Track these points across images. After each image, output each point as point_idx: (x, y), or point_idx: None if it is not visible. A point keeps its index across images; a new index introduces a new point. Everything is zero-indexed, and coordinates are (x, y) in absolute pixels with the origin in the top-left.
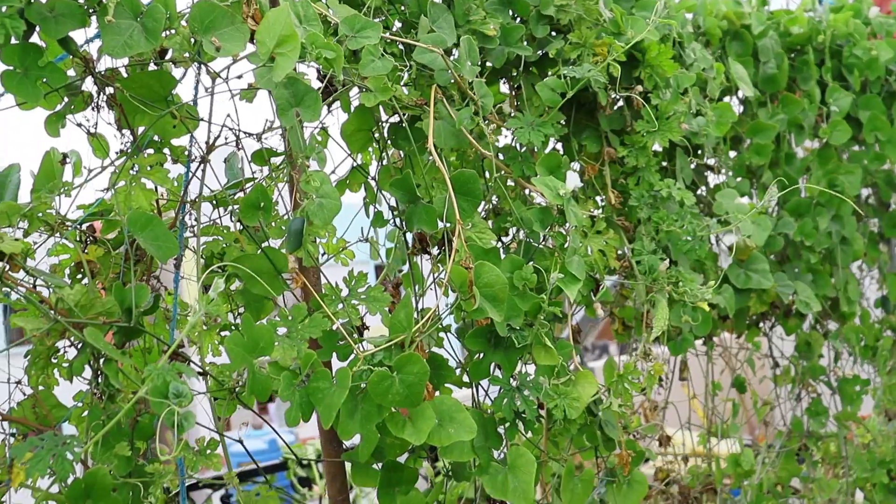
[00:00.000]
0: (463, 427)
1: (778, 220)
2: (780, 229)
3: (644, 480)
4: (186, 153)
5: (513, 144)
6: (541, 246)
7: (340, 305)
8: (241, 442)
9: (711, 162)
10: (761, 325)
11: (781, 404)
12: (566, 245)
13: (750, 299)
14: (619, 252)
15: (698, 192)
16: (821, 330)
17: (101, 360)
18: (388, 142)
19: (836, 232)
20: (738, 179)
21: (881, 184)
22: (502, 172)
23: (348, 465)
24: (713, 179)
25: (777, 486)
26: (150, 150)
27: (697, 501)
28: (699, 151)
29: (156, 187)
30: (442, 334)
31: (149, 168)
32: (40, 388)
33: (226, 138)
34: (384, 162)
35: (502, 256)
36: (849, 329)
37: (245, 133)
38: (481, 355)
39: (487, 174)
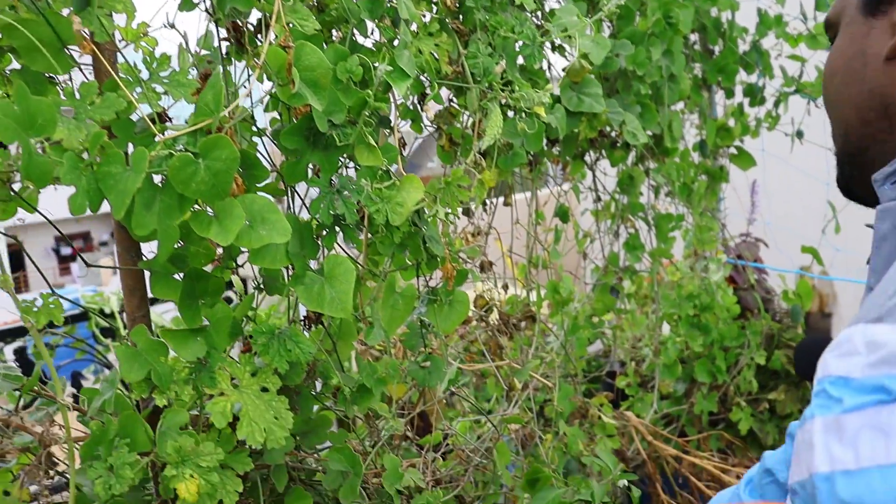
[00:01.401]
0: (276, 229)
1: (615, 43)
2: (617, 49)
3: (466, 301)
4: None
5: None
6: (367, 43)
7: (139, 90)
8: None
9: None
10: (587, 157)
11: (601, 237)
12: (396, 41)
13: (581, 123)
14: (452, 56)
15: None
16: (643, 168)
17: None
18: None
19: (665, 67)
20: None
21: (710, 28)
22: None
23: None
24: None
25: (592, 318)
26: None
27: (516, 328)
28: None
29: None
30: (256, 139)
31: None
32: None
33: None
34: None
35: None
36: (670, 164)
37: None
38: (298, 156)
39: None
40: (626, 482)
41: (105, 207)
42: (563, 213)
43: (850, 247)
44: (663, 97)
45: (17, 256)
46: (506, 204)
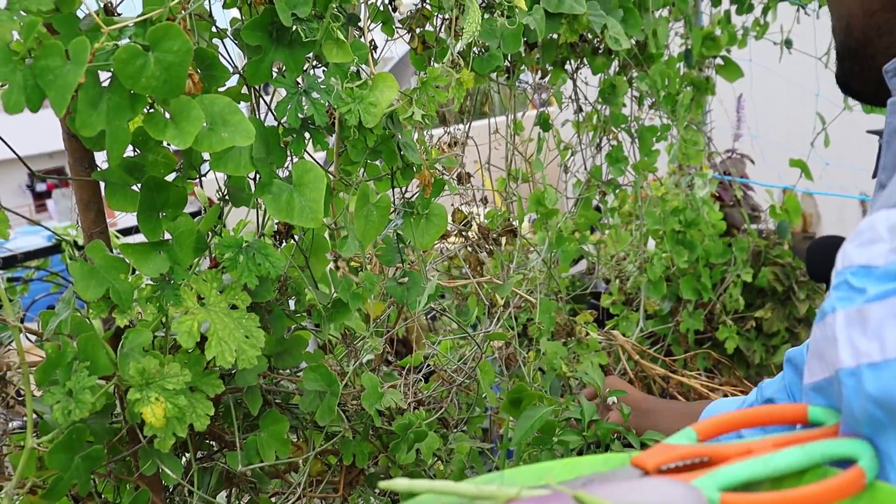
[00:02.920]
0: (238, 131)
1: None
2: None
3: (444, 214)
4: None
5: None
6: None
7: None
8: None
9: None
10: (568, 65)
11: (583, 149)
12: None
13: (561, 27)
14: None
15: None
16: (626, 78)
17: None
18: None
19: None
20: None
21: None
22: None
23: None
24: None
25: (574, 233)
26: None
27: (496, 243)
28: None
29: None
30: (216, 41)
31: None
32: None
33: None
34: None
35: None
36: (655, 71)
37: None
38: (261, 54)
39: None
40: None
41: None
42: (544, 121)
43: (835, 160)
44: (647, 2)
45: None
46: (482, 113)
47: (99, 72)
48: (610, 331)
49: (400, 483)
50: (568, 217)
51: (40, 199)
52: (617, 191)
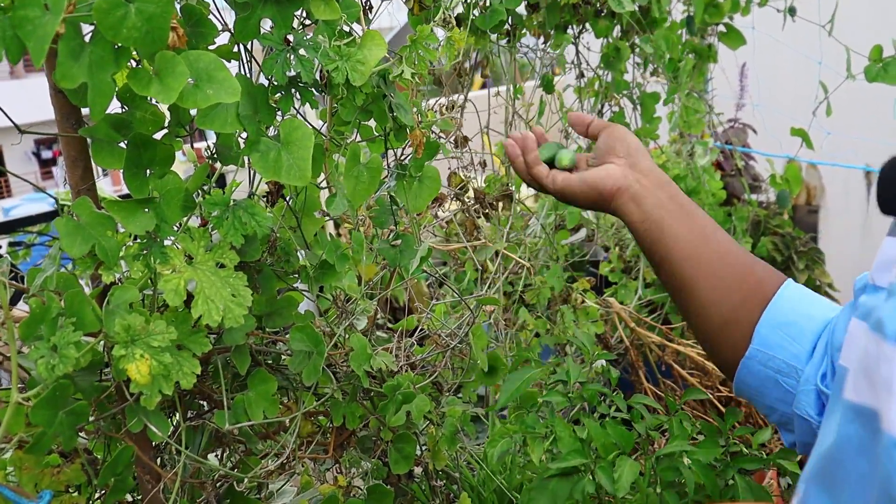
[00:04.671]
0: (224, 87)
1: None
2: None
3: (437, 177)
4: None
5: None
6: None
7: None
8: None
9: None
10: (570, 30)
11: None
12: None
13: None
14: None
15: None
16: (629, 43)
17: None
18: None
19: None
20: None
21: None
22: None
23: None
24: None
25: None
26: None
27: (493, 207)
28: None
29: None
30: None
31: None
32: None
33: None
34: None
35: None
36: (658, 34)
37: None
38: (249, 10)
39: None
40: (604, 362)
41: None
42: (547, 83)
43: (840, 131)
44: None
45: None
46: (483, 75)
47: (83, 26)
48: (607, 298)
49: None
50: None
51: (46, 166)
52: None
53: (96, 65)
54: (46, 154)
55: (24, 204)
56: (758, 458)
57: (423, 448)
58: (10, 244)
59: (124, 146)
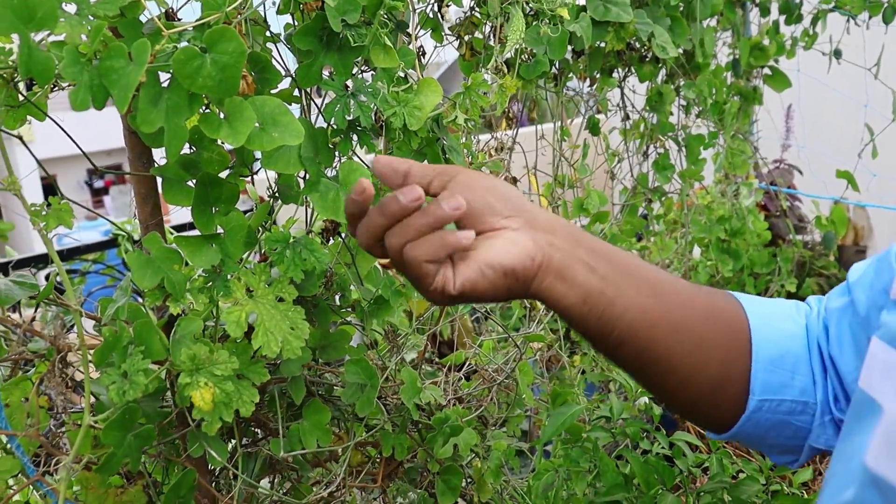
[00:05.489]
0: (288, 131)
1: None
2: None
3: None
4: None
5: None
6: None
7: None
8: (58, 125)
9: None
10: (615, 73)
11: (630, 157)
12: None
13: (607, 34)
14: None
15: None
16: (673, 86)
17: None
18: None
19: None
20: None
21: None
22: None
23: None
24: None
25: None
26: None
27: None
28: None
29: None
30: (270, 45)
31: None
32: None
33: None
34: None
35: None
36: (702, 79)
37: None
38: (312, 58)
39: None
40: (646, 399)
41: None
42: (593, 126)
43: (887, 173)
44: (695, 11)
45: (49, 190)
46: (530, 119)
47: (160, 73)
48: None
49: None
50: (614, 223)
51: (98, 195)
52: (663, 198)
53: (173, 110)
54: (98, 184)
55: (75, 232)
56: (798, 497)
57: (468, 481)
58: (66, 271)
59: (192, 184)
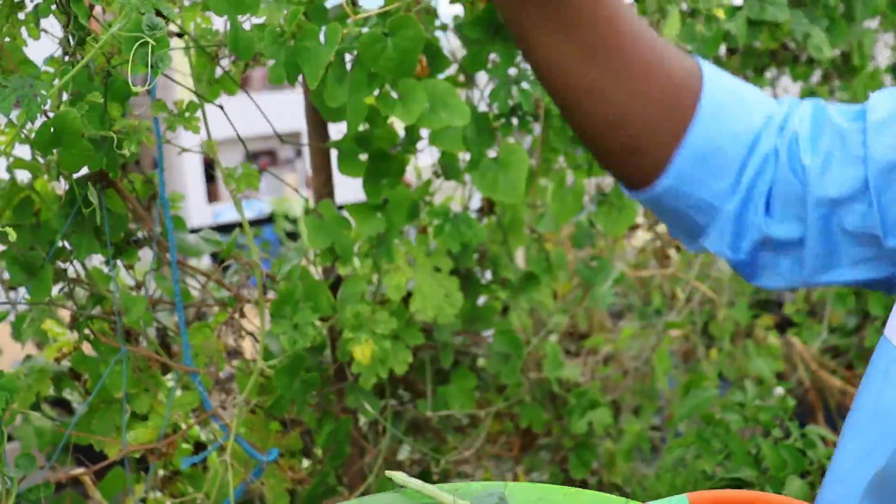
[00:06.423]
0: (455, 112)
1: None
2: None
3: (634, 208)
4: None
5: None
6: None
7: None
8: (221, 108)
9: None
10: (767, 73)
11: None
12: None
13: (762, 33)
14: None
15: None
16: (828, 88)
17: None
18: None
19: None
20: None
21: None
22: None
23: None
24: None
25: None
26: None
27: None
28: None
29: None
30: (439, 33)
31: None
32: (6, 39)
33: None
34: None
35: None
36: (858, 82)
37: None
38: (480, 46)
39: None
40: (781, 391)
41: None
42: None
43: None
44: (855, 12)
45: (208, 172)
46: None
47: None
48: (790, 338)
49: (398, 476)
50: None
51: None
52: None
53: (355, 88)
54: (252, 166)
55: (231, 209)
56: None
57: (600, 461)
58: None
59: (363, 158)
